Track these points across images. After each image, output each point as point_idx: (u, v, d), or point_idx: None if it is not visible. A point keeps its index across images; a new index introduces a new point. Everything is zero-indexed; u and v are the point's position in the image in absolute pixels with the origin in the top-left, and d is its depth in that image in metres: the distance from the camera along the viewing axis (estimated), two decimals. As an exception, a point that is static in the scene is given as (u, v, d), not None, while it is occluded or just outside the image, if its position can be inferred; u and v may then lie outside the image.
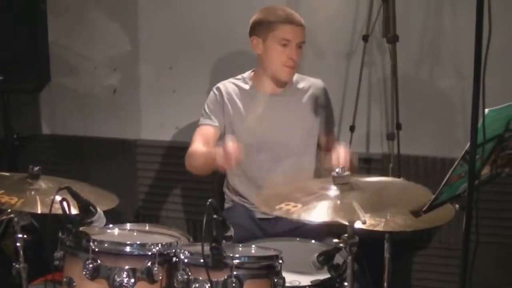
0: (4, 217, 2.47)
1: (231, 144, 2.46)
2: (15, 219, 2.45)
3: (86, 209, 2.13)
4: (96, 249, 2.11)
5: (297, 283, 2.24)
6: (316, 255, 2.24)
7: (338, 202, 1.92)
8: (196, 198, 3.78)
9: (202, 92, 3.61)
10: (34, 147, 3.95)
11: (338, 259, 2.17)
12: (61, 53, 3.79)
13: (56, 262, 2.23)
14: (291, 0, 3.41)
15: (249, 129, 2.89)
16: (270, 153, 2.91)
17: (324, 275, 2.28)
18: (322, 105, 2.96)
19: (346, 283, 2.06)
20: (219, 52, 3.63)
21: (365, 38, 3.25)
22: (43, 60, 3.45)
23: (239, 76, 3.01)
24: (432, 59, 3.38)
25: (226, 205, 3.05)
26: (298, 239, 2.64)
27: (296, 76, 2.97)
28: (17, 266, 2.55)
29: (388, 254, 2.41)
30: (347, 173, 2.00)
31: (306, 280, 2.28)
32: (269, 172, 2.91)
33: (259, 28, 2.84)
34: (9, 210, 2.41)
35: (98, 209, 2.19)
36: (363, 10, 3.36)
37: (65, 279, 2.20)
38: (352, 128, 3.34)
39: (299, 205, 1.89)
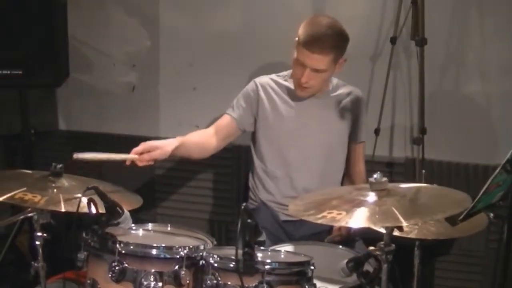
0: (24, 215, 2.43)
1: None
2: (35, 217, 2.41)
3: (113, 210, 2.08)
4: (123, 251, 2.06)
5: (325, 290, 2.19)
6: (345, 261, 2.20)
7: (377, 208, 1.86)
8: (215, 198, 3.75)
9: (222, 90, 3.59)
10: (50, 143, 3.89)
11: (367, 266, 2.13)
12: (79, 49, 3.73)
13: (79, 264, 2.18)
14: (317, 2, 3.36)
15: (283, 126, 2.90)
16: (300, 152, 2.89)
17: (352, 282, 2.23)
18: (356, 114, 2.95)
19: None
20: (241, 49, 3.57)
21: (393, 40, 3.20)
22: (62, 55, 3.37)
23: (281, 73, 2.99)
24: (458, 63, 3.33)
25: (249, 206, 2.99)
26: (325, 243, 2.59)
27: (336, 81, 2.96)
28: (35, 264, 2.51)
29: (419, 260, 2.36)
30: (384, 179, 1.95)
31: (334, 286, 2.23)
32: (297, 171, 2.89)
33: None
34: (29, 208, 2.38)
35: (125, 210, 2.13)
36: (389, 12, 3.30)
37: (88, 281, 2.15)
38: (377, 131, 3.29)
39: (343, 213, 1.83)
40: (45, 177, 2.43)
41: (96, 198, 2.10)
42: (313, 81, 2.76)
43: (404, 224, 1.79)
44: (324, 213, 1.87)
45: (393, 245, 1.91)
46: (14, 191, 2.28)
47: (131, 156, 2.64)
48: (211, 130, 2.96)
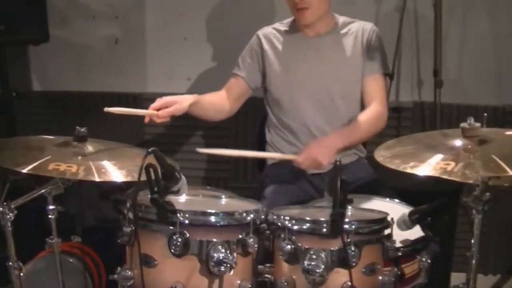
0: (51, 186, 2.18)
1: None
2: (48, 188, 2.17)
3: (171, 175, 1.85)
4: (186, 222, 1.85)
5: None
6: (406, 213, 2.08)
7: (473, 156, 1.73)
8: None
9: (216, 39, 3.42)
10: (25, 105, 3.55)
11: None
12: (53, 2, 3.38)
13: (125, 238, 1.94)
14: None
15: (293, 75, 2.72)
16: (316, 100, 2.71)
17: (412, 235, 2.11)
18: (369, 48, 2.71)
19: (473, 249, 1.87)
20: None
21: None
22: (43, 8, 3.05)
23: (284, 21, 2.81)
24: (466, 3, 3.25)
25: (271, 161, 2.82)
26: (376, 196, 2.45)
27: (343, 19, 2.77)
28: (49, 241, 2.29)
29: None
30: (478, 124, 1.81)
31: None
32: (316, 120, 2.72)
33: None
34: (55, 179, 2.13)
35: (182, 175, 1.91)
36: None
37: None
38: (391, 76, 3.16)
39: (452, 163, 1.68)
40: (67, 142, 2.18)
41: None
42: None
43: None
44: (427, 164, 1.71)
45: (488, 194, 1.78)
46: (39, 160, 2.02)
47: (150, 111, 2.47)
48: (223, 92, 2.80)
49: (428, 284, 2.16)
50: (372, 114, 2.65)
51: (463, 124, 1.83)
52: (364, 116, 2.64)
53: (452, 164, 1.68)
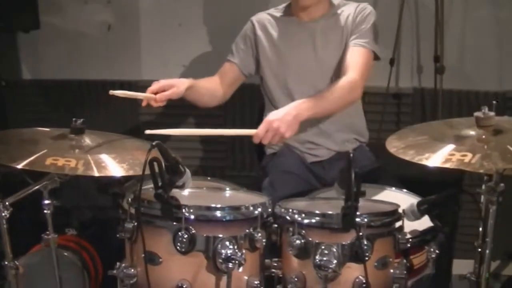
0: (47, 181, 2.10)
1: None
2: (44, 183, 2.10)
3: (176, 169, 1.78)
4: (191, 217, 1.77)
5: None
6: (414, 203, 2.02)
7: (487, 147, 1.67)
8: (206, 143, 3.50)
9: (211, 25, 3.35)
10: (15, 95, 3.45)
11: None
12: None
13: (127, 235, 1.87)
14: None
15: (286, 62, 2.67)
16: (308, 85, 2.63)
17: (420, 225, 2.06)
18: (359, 22, 2.61)
19: (487, 239, 1.82)
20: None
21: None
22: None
23: (279, 7, 2.76)
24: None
25: (270, 151, 2.75)
26: (382, 186, 2.39)
27: (338, 1, 2.69)
28: (45, 237, 2.22)
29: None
30: (492, 113, 1.75)
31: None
32: None
33: None
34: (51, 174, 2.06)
35: (186, 169, 1.84)
36: None
37: (142, 255, 1.85)
38: (392, 61, 3.10)
39: (469, 154, 1.62)
40: (64, 135, 2.10)
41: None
42: None
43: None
44: (443, 156, 1.64)
45: (502, 185, 1.73)
46: (35, 155, 1.93)
47: (148, 95, 2.45)
48: (216, 77, 2.76)
49: (433, 273, 2.13)
50: (345, 82, 2.47)
51: (477, 113, 1.77)
52: (335, 85, 2.48)
53: (469, 155, 1.62)
